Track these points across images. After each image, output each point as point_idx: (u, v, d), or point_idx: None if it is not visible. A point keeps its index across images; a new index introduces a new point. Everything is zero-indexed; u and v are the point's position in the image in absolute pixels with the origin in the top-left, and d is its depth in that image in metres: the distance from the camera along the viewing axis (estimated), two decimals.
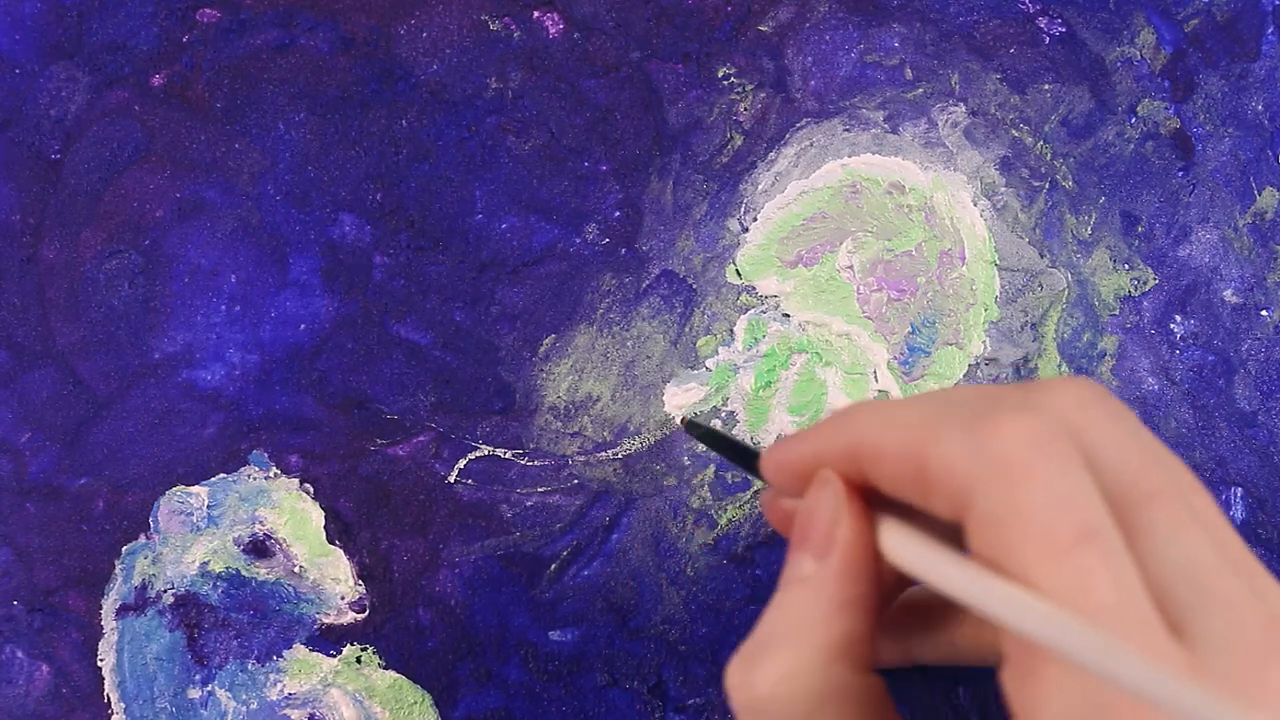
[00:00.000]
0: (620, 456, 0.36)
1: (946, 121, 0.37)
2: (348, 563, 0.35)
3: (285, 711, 0.35)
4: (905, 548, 0.20)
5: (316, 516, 0.36)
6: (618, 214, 0.37)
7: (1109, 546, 0.17)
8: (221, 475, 0.36)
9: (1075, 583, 0.17)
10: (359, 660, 0.35)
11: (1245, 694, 0.16)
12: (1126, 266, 0.37)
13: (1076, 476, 0.18)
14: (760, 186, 0.37)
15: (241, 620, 0.35)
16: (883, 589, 0.22)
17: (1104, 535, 0.17)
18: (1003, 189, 0.37)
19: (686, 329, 0.37)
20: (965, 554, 0.19)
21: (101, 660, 0.35)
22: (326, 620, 0.35)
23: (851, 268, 0.37)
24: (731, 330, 0.37)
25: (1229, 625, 0.17)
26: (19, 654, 0.35)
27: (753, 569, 0.35)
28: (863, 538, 0.21)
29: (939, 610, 0.27)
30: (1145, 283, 0.37)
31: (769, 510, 0.26)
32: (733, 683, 0.21)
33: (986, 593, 0.18)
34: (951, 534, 0.20)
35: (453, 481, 0.36)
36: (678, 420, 0.33)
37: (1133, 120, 0.37)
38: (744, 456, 0.28)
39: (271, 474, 0.36)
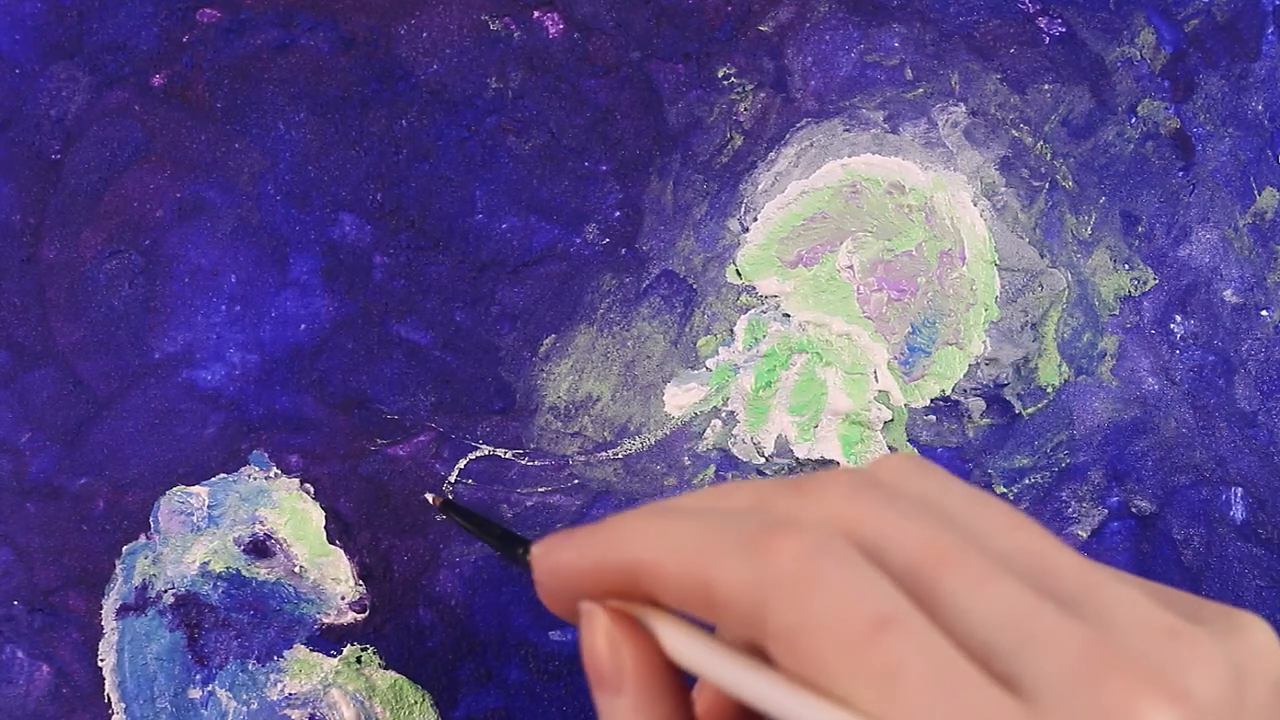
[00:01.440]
0: (620, 456, 0.36)
1: (946, 121, 0.37)
2: (348, 563, 0.35)
3: (285, 711, 0.35)
4: (683, 647, 0.20)
5: (317, 516, 0.36)
6: (618, 214, 0.37)
7: (909, 625, 0.17)
8: (222, 475, 0.36)
9: (883, 669, 0.17)
10: (359, 660, 0.35)
11: None
12: (1126, 266, 0.37)
13: (860, 571, 0.18)
14: (760, 186, 0.37)
15: (242, 620, 0.35)
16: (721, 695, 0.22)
17: (900, 616, 0.17)
18: (1003, 189, 0.37)
19: (687, 329, 0.37)
20: (735, 649, 0.20)
21: (102, 660, 0.35)
22: (327, 620, 0.35)
23: (851, 268, 0.37)
24: (731, 330, 0.37)
25: (1049, 660, 0.17)
26: (19, 654, 0.35)
27: None
28: (649, 657, 0.21)
29: None
30: (1145, 283, 0.37)
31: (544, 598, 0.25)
32: None
33: (753, 686, 0.18)
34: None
35: (453, 481, 0.36)
36: (430, 498, 0.31)
37: (1133, 120, 0.37)
38: (504, 542, 0.27)
39: (272, 474, 0.36)
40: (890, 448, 0.36)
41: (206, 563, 0.35)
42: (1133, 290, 0.37)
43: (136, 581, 0.35)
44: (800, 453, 0.36)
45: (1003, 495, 0.36)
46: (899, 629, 0.17)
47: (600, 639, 0.21)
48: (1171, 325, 0.37)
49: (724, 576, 0.19)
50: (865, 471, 0.20)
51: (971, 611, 0.18)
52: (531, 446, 0.36)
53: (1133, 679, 0.16)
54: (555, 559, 0.22)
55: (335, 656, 0.35)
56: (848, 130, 0.37)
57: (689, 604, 0.20)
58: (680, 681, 0.21)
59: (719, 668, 0.19)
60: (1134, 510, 0.36)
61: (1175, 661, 0.17)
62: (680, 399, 0.36)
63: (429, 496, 0.30)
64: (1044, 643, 0.17)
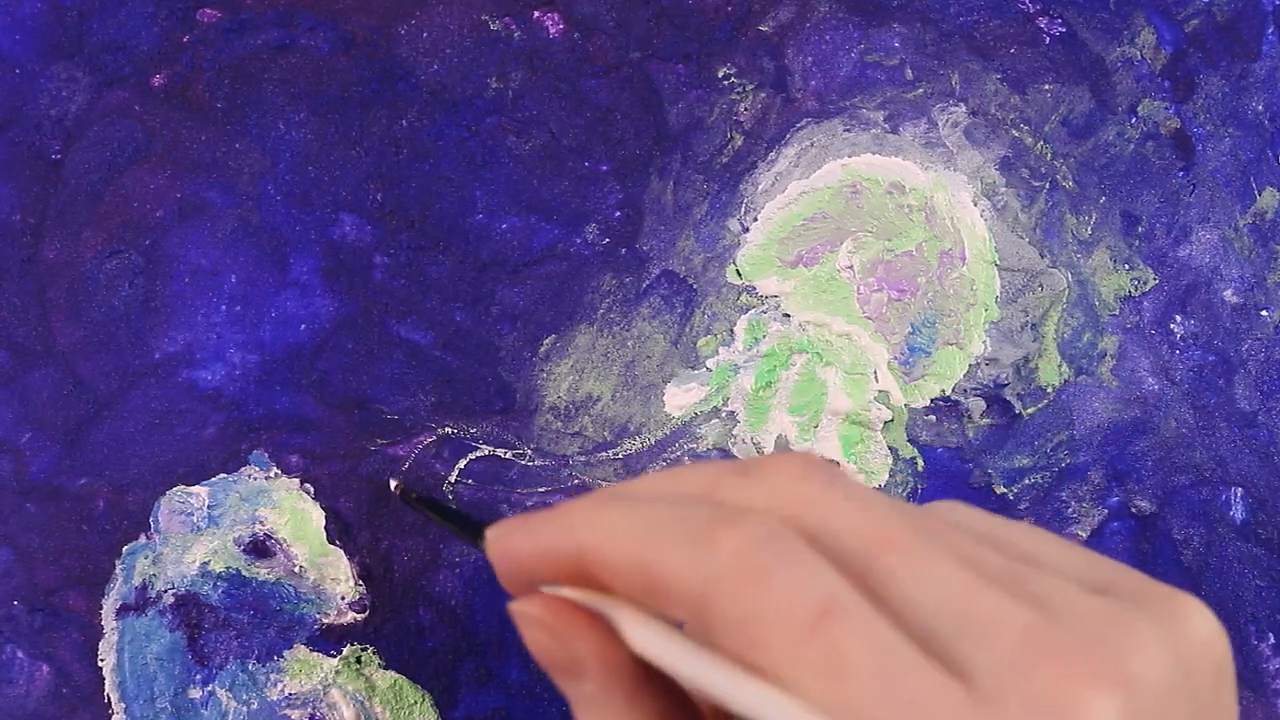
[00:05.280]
0: (620, 456, 0.36)
1: (947, 121, 0.37)
2: (348, 563, 0.35)
3: (285, 711, 0.35)
4: (643, 636, 0.20)
5: (317, 516, 0.36)
6: (618, 214, 0.37)
7: (853, 612, 0.17)
8: (222, 475, 0.36)
9: (828, 658, 0.17)
10: (359, 660, 0.35)
11: (1010, 711, 0.16)
12: (1126, 266, 0.37)
13: (805, 559, 0.18)
14: (760, 186, 0.37)
15: (242, 620, 0.35)
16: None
17: (844, 603, 0.17)
18: (1003, 189, 0.37)
19: (687, 329, 0.37)
20: (695, 643, 0.19)
21: (102, 660, 0.35)
22: (326, 620, 0.35)
23: (852, 268, 0.37)
24: (732, 330, 0.37)
25: (986, 644, 0.17)
26: (19, 654, 0.35)
27: None
28: (606, 643, 0.21)
29: None
30: (1145, 283, 0.37)
31: (503, 583, 0.25)
32: None
33: (709, 679, 0.18)
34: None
35: (453, 481, 0.36)
36: (392, 487, 0.32)
37: (1133, 120, 0.37)
38: (466, 529, 0.27)
39: (272, 474, 0.36)
40: (891, 448, 0.36)
41: (206, 563, 0.35)
42: (1133, 290, 0.37)
43: (136, 581, 0.35)
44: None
45: (1002, 495, 0.36)
46: (842, 617, 0.17)
47: (537, 633, 0.21)
48: (1171, 325, 0.37)
49: (667, 567, 0.19)
50: (813, 457, 0.20)
51: (914, 595, 0.18)
52: (531, 446, 0.36)
53: (1073, 665, 0.16)
54: (507, 544, 0.22)
55: (335, 656, 0.35)
56: (848, 130, 0.37)
57: (634, 592, 0.20)
58: (646, 673, 0.21)
59: (676, 657, 0.19)
60: (1134, 510, 0.36)
61: (1117, 648, 0.17)
62: (680, 399, 0.36)
63: (391, 483, 0.31)
64: (984, 627, 0.17)
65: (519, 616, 0.21)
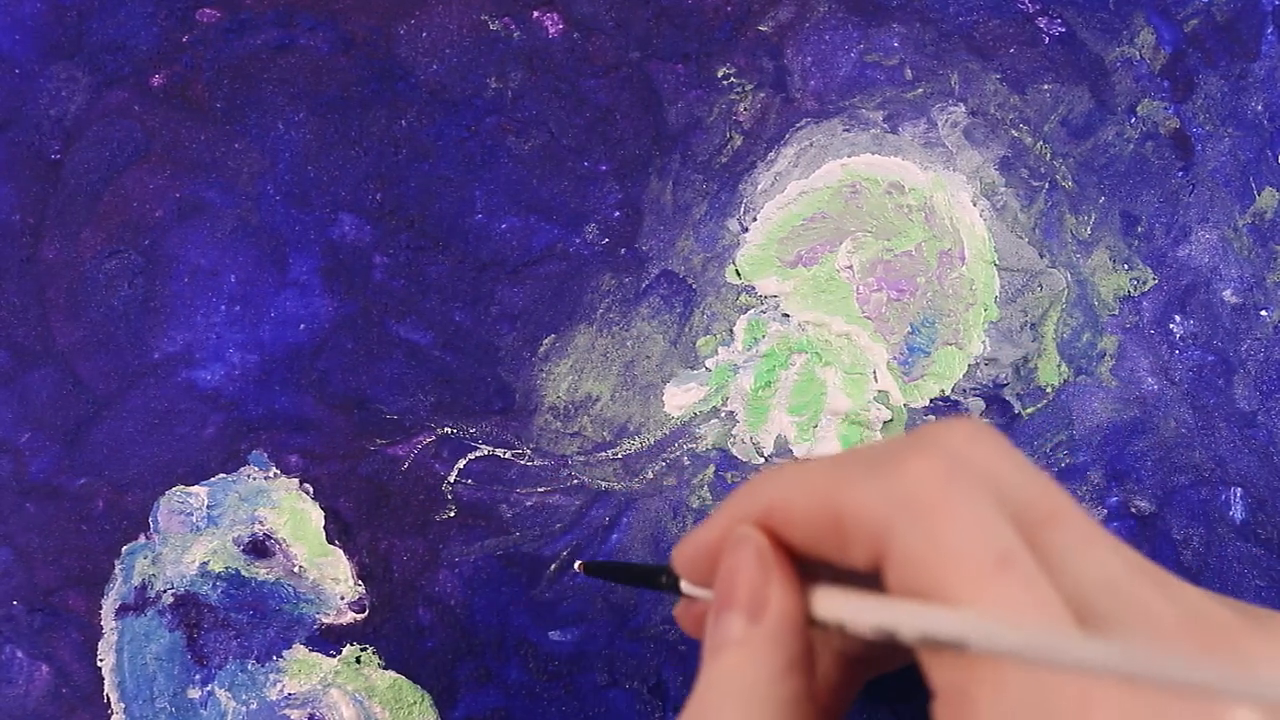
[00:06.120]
0: (620, 456, 0.36)
1: (946, 121, 0.37)
2: (348, 563, 0.35)
3: (285, 711, 0.35)
4: (848, 605, 0.20)
5: (316, 516, 0.36)
6: (618, 214, 0.37)
7: (1026, 569, 0.18)
8: (221, 475, 0.36)
9: (999, 607, 0.17)
10: (359, 660, 0.35)
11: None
12: (1126, 266, 0.37)
13: (986, 506, 0.18)
14: (760, 186, 0.37)
15: (241, 620, 0.35)
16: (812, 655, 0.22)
17: (1020, 559, 0.18)
18: (1002, 189, 0.37)
19: (686, 329, 0.37)
20: (894, 597, 0.19)
21: (101, 660, 0.35)
22: (326, 620, 0.35)
23: (851, 268, 0.37)
24: (731, 330, 0.37)
25: (1146, 629, 0.18)
26: (19, 654, 0.35)
27: None
28: (795, 596, 0.21)
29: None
30: (1145, 283, 0.37)
31: (684, 619, 0.25)
32: None
33: (939, 623, 0.18)
34: (871, 587, 0.20)
35: (453, 481, 0.36)
36: (576, 567, 0.35)
37: (1133, 120, 0.37)
38: (648, 577, 0.27)
39: (271, 474, 0.36)
40: None
41: (206, 563, 0.35)
42: (1132, 290, 0.37)
43: (136, 581, 0.35)
44: (799, 452, 0.36)
45: None
46: (1017, 571, 0.17)
47: (751, 558, 0.21)
48: (1171, 325, 0.37)
49: (853, 497, 0.19)
50: (981, 422, 0.21)
51: (1076, 565, 0.18)
52: (531, 446, 0.36)
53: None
54: (690, 545, 0.22)
55: (335, 656, 0.35)
56: (847, 130, 0.37)
57: (817, 537, 0.20)
58: (809, 634, 0.21)
59: (865, 606, 0.19)
60: (1133, 510, 0.36)
61: (1254, 656, 0.18)
62: (680, 399, 0.36)
63: (576, 565, 0.34)
64: (1143, 614, 0.18)
65: (742, 537, 0.21)
